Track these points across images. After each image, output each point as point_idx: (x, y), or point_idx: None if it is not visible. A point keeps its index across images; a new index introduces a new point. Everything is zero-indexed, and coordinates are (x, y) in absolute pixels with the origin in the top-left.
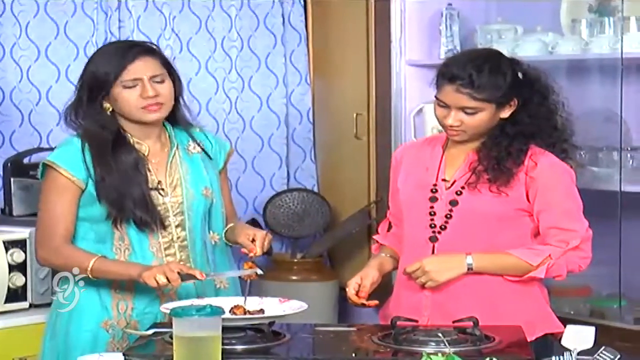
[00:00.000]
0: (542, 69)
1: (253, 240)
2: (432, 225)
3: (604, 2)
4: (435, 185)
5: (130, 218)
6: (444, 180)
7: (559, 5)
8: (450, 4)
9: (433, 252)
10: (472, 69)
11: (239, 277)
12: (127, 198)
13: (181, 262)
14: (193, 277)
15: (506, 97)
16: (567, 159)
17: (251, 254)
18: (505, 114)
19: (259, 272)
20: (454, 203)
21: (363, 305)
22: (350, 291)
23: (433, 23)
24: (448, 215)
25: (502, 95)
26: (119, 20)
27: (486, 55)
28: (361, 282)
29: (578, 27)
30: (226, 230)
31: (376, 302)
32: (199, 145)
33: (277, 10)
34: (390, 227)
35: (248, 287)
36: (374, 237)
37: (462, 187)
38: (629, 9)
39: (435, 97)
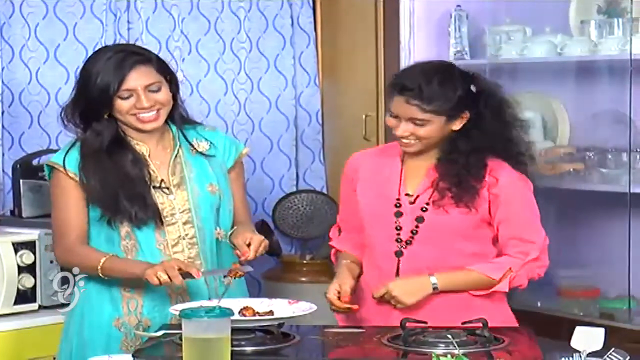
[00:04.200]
0: (497, 83)
1: (249, 245)
2: (399, 240)
3: (613, 4)
4: (398, 199)
5: (125, 217)
6: (407, 194)
7: (568, 7)
8: (459, 5)
9: (398, 266)
10: (422, 80)
11: (227, 275)
12: (121, 197)
13: (190, 259)
14: (190, 275)
15: (456, 110)
16: (525, 171)
17: (242, 257)
18: (457, 126)
19: (249, 269)
20: (420, 220)
21: (347, 309)
22: (332, 297)
23: (442, 24)
24: (414, 231)
25: (451, 108)
26: (128, 22)
27: (437, 67)
28: (340, 288)
29: (587, 28)
30: (230, 233)
31: (358, 306)
32: (194, 147)
33: (286, 11)
34: (339, 232)
35: (225, 292)
36: (330, 243)
37: (427, 204)
38: (638, 10)
39: (387, 108)
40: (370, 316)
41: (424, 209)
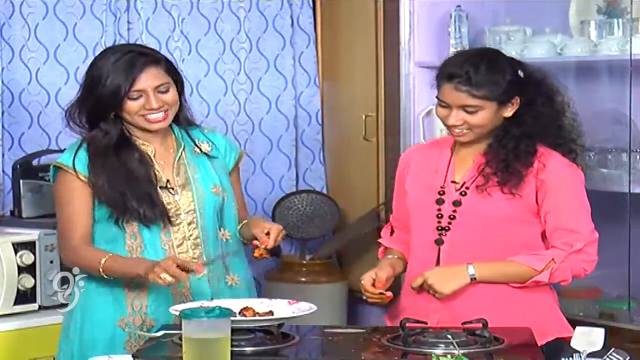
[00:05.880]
0: (547, 70)
1: (268, 234)
2: (439, 228)
3: (612, 4)
4: (442, 187)
5: (133, 216)
6: (453, 182)
7: (568, 7)
8: (459, 6)
9: (438, 255)
10: (469, 67)
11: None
12: (129, 196)
13: (194, 260)
14: (192, 270)
15: (507, 95)
16: (575, 160)
17: (263, 245)
18: (508, 113)
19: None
20: (457, 204)
21: (381, 295)
22: (366, 283)
23: (442, 24)
24: (452, 216)
25: (502, 93)
26: (128, 22)
27: (483, 54)
28: (376, 276)
29: (587, 28)
30: (241, 227)
31: (391, 294)
32: (198, 147)
33: (286, 12)
34: (392, 231)
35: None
36: (379, 240)
37: (467, 188)
38: (637, 10)
39: (437, 97)
40: (409, 307)
41: (463, 193)
